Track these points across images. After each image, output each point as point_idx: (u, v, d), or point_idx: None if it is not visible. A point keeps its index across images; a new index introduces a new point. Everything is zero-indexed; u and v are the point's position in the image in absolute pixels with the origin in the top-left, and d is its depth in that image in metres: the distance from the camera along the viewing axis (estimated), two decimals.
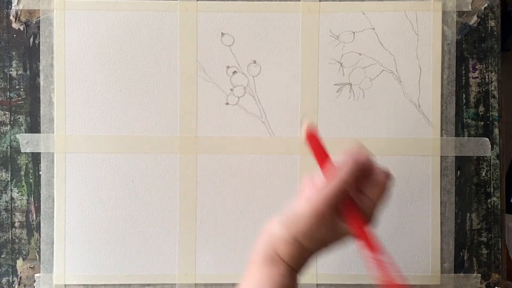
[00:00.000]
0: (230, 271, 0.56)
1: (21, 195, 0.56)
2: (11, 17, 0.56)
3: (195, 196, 0.56)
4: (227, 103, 0.56)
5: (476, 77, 0.57)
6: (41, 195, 0.56)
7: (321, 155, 0.41)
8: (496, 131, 0.57)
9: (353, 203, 0.40)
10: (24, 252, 0.56)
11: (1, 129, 0.56)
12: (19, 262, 0.56)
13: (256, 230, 0.56)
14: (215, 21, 0.56)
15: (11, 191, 0.56)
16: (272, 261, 0.41)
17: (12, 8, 0.56)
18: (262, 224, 0.56)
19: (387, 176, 0.41)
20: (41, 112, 0.56)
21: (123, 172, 0.56)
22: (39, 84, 0.56)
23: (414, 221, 0.56)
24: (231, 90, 0.56)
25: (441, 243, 0.56)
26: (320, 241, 0.40)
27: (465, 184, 0.57)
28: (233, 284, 0.56)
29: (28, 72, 0.56)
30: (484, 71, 0.57)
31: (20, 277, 0.56)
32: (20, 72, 0.56)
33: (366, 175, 0.40)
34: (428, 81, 0.56)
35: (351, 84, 0.56)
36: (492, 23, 0.57)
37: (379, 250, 0.38)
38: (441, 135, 0.56)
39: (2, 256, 0.56)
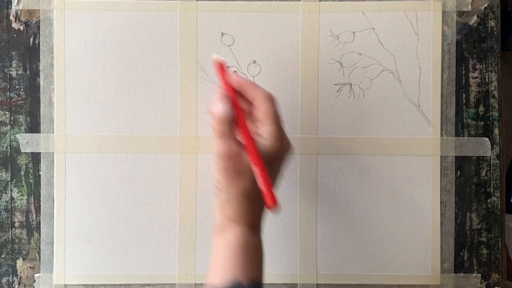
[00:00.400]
0: None
1: (21, 195, 0.56)
2: (11, 17, 0.56)
3: (195, 196, 0.56)
4: None
5: (476, 77, 0.57)
6: (41, 195, 0.56)
7: (226, 84, 0.46)
8: (496, 131, 0.57)
9: (243, 119, 0.45)
10: (24, 252, 0.56)
11: (1, 129, 0.56)
12: (19, 262, 0.56)
13: None
14: (215, 21, 0.56)
15: (11, 191, 0.56)
16: (224, 227, 0.45)
17: (12, 8, 0.56)
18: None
19: (267, 96, 0.45)
20: (41, 112, 0.56)
21: (123, 172, 0.56)
22: (39, 84, 0.56)
23: (414, 221, 0.56)
24: None
25: (441, 243, 0.56)
26: (242, 176, 0.44)
27: (465, 184, 0.57)
28: None
29: (28, 72, 0.56)
30: (484, 71, 0.57)
31: (20, 277, 0.56)
32: (20, 72, 0.56)
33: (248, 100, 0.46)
34: (428, 81, 0.56)
35: (351, 84, 0.56)
36: (492, 23, 0.57)
37: (262, 166, 0.43)
38: (441, 135, 0.56)
39: (2, 256, 0.56)
